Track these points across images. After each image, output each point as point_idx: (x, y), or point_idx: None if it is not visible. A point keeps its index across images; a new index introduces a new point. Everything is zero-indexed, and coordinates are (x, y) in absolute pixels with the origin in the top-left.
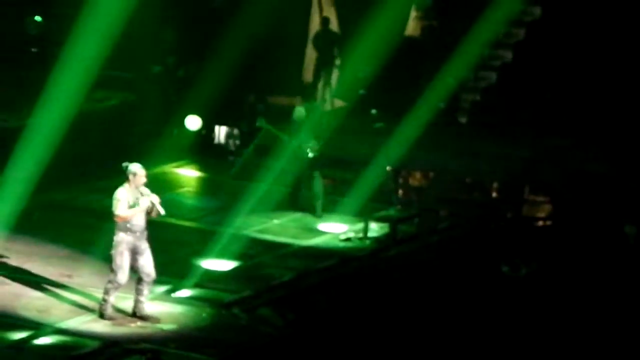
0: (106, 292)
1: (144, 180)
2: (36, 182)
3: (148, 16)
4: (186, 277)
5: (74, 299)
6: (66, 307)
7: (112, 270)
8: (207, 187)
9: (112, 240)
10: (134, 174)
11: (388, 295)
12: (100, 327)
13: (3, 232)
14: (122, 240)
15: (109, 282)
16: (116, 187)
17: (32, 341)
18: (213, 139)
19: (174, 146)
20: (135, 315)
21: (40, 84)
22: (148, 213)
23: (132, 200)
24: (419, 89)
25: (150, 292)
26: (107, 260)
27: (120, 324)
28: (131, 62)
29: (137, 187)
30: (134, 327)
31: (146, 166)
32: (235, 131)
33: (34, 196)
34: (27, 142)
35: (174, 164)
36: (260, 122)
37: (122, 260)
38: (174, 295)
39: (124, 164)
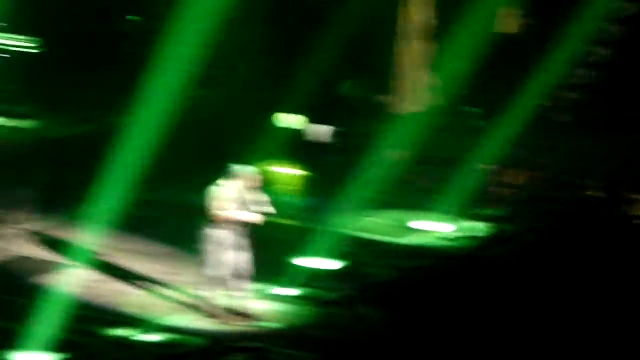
0: (207, 288)
1: (251, 184)
2: (138, 181)
3: (242, 15)
4: (287, 275)
5: (178, 296)
6: (171, 304)
7: (210, 266)
8: (305, 185)
9: (211, 236)
10: (246, 177)
11: (486, 294)
12: (204, 324)
13: (108, 231)
14: (219, 236)
15: (208, 278)
16: (215, 185)
17: (138, 338)
18: (311, 137)
19: (273, 144)
20: (239, 313)
21: (138, 82)
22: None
23: (238, 202)
24: (516, 87)
25: (251, 289)
26: (208, 257)
27: (224, 322)
28: (227, 61)
29: (246, 189)
30: (238, 325)
31: (244, 164)
32: (333, 129)
33: (136, 195)
34: (127, 141)
35: (273, 163)
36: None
37: (221, 256)
38: (275, 293)
39: (237, 165)
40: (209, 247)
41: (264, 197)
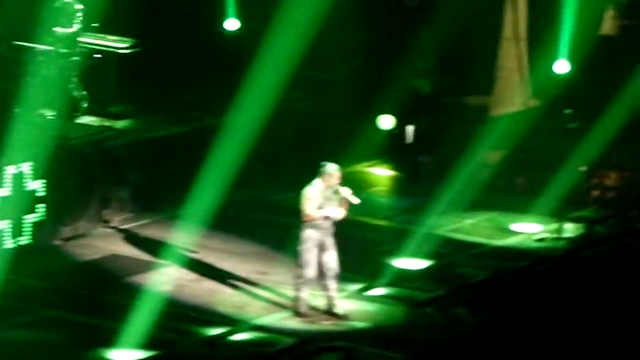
0: (296, 288)
1: (337, 181)
2: (231, 180)
3: (339, 16)
4: (379, 275)
5: (269, 296)
6: (261, 304)
7: (300, 266)
8: (399, 186)
9: (300, 235)
10: (329, 174)
11: (583, 297)
12: (295, 324)
13: (200, 230)
14: (310, 236)
15: (297, 277)
16: (308, 185)
17: (228, 337)
18: (404, 138)
19: (367, 145)
20: (329, 312)
21: (236, 83)
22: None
23: (322, 199)
24: (614, 89)
25: (341, 289)
26: (298, 256)
27: (314, 322)
28: (323, 62)
29: (329, 187)
30: (328, 325)
31: (339, 165)
32: (425, 130)
33: (228, 194)
34: (222, 140)
35: (367, 163)
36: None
37: (309, 256)
38: (367, 293)
39: (323, 163)
40: (299, 247)
41: (347, 190)
